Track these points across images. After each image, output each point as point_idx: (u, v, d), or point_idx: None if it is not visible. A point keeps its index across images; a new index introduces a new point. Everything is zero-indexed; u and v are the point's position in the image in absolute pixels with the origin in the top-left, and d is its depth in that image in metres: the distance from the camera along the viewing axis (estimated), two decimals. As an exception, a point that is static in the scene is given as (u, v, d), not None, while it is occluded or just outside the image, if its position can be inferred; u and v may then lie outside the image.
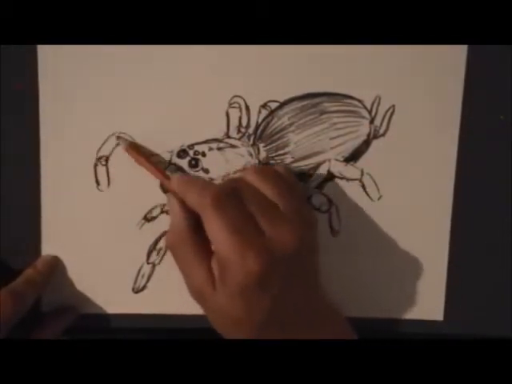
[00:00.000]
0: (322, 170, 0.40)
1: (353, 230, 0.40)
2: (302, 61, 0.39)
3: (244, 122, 0.39)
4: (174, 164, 0.39)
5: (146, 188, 0.39)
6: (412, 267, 0.40)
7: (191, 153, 0.39)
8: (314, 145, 0.40)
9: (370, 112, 0.39)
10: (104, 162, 0.39)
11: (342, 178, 0.40)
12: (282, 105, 0.39)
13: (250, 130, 0.39)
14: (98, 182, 0.39)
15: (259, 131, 0.39)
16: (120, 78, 0.39)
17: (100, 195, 0.39)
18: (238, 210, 0.33)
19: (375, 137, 0.40)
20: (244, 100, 0.39)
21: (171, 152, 0.39)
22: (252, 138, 0.40)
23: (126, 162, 0.39)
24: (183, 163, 0.39)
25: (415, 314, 0.41)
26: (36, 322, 0.39)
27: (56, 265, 0.40)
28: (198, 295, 0.34)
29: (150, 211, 0.39)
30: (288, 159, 0.40)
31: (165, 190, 0.39)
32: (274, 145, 0.40)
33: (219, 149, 0.39)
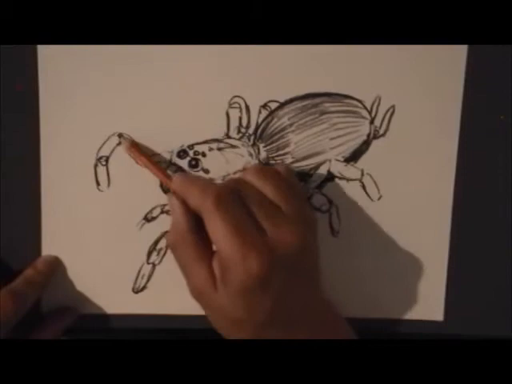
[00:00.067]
0: (322, 170, 0.40)
1: (353, 230, 0.40)
2: (302, 61, 0.39)
3: (244, 122, 0.39)
4: (174, 164, 0.39)
5: (146, 188, 0.39)
6: (412, 267, 0.40)
7: (191, 153, 0.39)
8: (314, 145, 0.40)
9: (370, 112, 0.39)
10: (104, 162, 0.39)
11: (342, 178, 0.40)
12: (282, 105, 0.39)
13: (250, 130, 0.39)
14: (98, 182, 0.39)
15: (259, 131, 0.39)
16: (120, 77, 0.39)
17: (100, 195, 0.39)
18: (239, 210, 0.33)
19: (375, 137, 0.40)
20: (244, 100, 0.39)
21: (171, 152, 0.39)
22: (252, 139, 0.40)
23: (126, 162, 0.39)
24: (183, 163, 0.39)
25: (415, 314, 0.41)
26: (36, 322, 0.39)
27: (56, 265, 0.40)
28: (198, 295, 0.34)
29: (150, 211, 0.39)
30: (288, 159, 0.40)
31: (165, 190, 0.39)
32: (274, 145, 0.40)
33: (219, 149, 0.39)
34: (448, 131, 0.40)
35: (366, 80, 0.39)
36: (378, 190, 0.40)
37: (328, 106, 0.39)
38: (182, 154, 0.39)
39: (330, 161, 0.40)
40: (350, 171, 0.40)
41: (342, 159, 0.40)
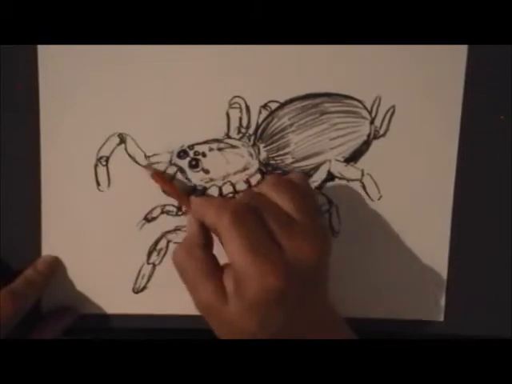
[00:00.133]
0: (323, 171, 0.40)
1: (353, 230, 0.40)
2: (302, 61, 0.39)
3: (244, 123, 0.39)
4: (175, 164, 0.39)
5: (146, 188, 0.39)
6: (412, 267, 0.40)
7: (191, 153, 0.39)
8: (314, 145, 0.40)
9: (370, 112, 0.39)
10: (104, 163, 0.39)
11: (342, 179, 0.40)
12: (283, 105, 0.39)
13: (251, 131, 0.39)
14: (98, 183, 0.39)
15: (259, 131, 0.39)
16: (120, 77, 0.39)
17: (100, 195, 0.39)
18: (254, 224, 0.33)
19: (375, 137, 0.40)
20: (244, 100, 0.39)
21: (171, 152, 0.39)
22: (252, 139, 0.40)
23: (126, 162, 0.39)
24: (183, 163, 0.39)
25: (415, 314, 0.41)
26: (36, 322, 0.39)
27: (56, 265, 0.40)
28: (206, 309, 0.34)
29: (151, 212, 0.39)
30: (288, 159, 0.40)
31: (166, 192, 0.39)
32: (274, 145, 0.40)
33: (219, 149, 0.39)
34: (448, 131, 0.40)
35: (366, 80, 0.39)
36: (378, 189, 0.40)
37: (328, 106, 0.39)
38: (182, 154, 0.39)
39: (330, 161, 0.40)
40: (350, 171, 0.40)
41: (342, 159, 0.40)
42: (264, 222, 0.34)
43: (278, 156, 0.40)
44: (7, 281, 0.38)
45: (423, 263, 0.40)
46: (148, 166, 0.39)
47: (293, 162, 0.40)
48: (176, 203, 0.39)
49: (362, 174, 0.40)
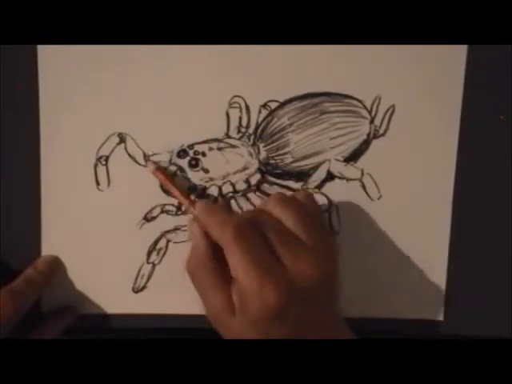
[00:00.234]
0: (322, 170, 0.40)
1: (353, 230, 0.40)
2: (302, 61, 0.39)
3: (244, 122, 0.39)
4: (175, 164, 0.39)
5: (146, 188, 0.39)
6: (412, 267, 0.40)
7: (191, 153, 0.39)
8: (314, 145, 0.40)
9: (370, 112, 0.39)
10: (104, 162, 0.39)
11: (341, 178, 0.40)
12: (282, 105, 0.39)
13: (250, 130, 0.39)
14: (98, 182, 0.39)
15: (259, 131, 0.39)
16: (120, 77, 0.39)
17: (100, 195, 0.39)
18: (257, 241, 0.33)
19: (375, 137, 0.40)
20: (244, 100, 0.39)
21: (171, 152, 0.39)
22: (252, 138, 0.40)
23: (126, 162, 0.39)
24: (183, 163, 0.39)
25: (415, 313, 0.41)
26: (36, 322, 0.39)
27: (56, 265, 0.40)
28: (216, 319, 0.34)
29: (150, 211, 0.39)
30: (288, 159, 0.40)
31: (165, 190, 0.39)
32: (274, 145, 0.40)
33: (219, 149, 0.39)
34: (448, 131, 0.40)
35: (365, 80, 0.39)
36: (378, 189, 0.40)
37: (328, 105, 0.39)
38: (181, 153, 0.39)
39: (329, 160, 0.40)
40: (350, 171, 0.40)
41: (342, 159, 0.40)
42: (267, 239, 0.34)
43: (277, 155, 0.40)
44: (7, 280, 0.38)
45: (423, 263, 0.40)
46: (150, 161, 0.39)
47: (292, 162, 0.40)
48: (176, 203, 0.39)
49: (362, 174, 0.40)
